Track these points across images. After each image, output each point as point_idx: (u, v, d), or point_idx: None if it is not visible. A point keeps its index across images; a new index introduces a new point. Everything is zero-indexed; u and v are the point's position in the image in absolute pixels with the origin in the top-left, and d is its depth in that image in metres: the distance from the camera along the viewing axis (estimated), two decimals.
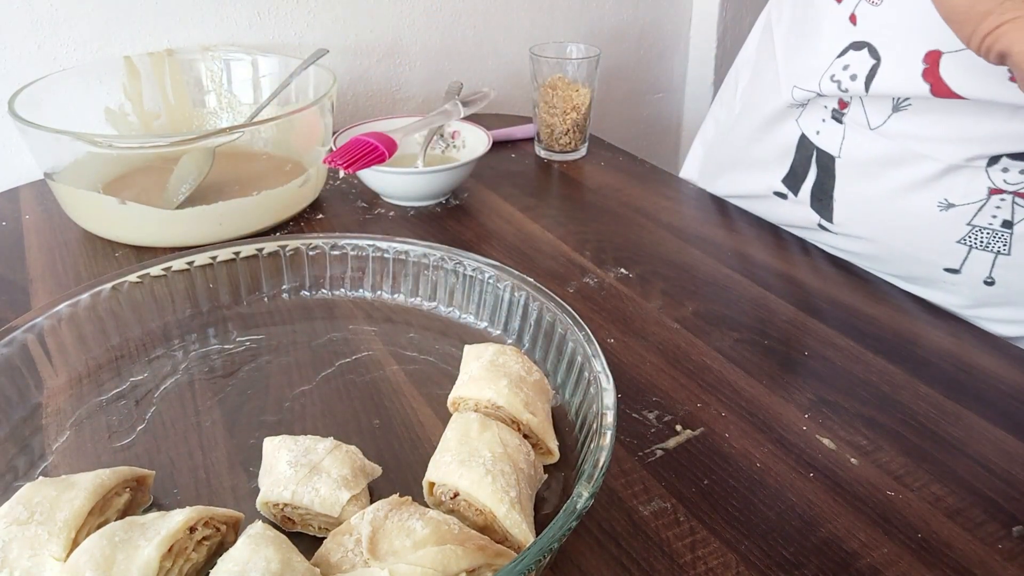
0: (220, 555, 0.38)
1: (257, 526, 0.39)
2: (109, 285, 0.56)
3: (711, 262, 0.71)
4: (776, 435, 0.50)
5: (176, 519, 0.39)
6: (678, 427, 0.51)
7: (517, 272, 0.57)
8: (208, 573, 0.37)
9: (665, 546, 0.43)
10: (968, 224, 0.58)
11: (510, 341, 0.57)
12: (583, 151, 0.95)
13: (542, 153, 0.95)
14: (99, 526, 0.40)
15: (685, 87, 1.36)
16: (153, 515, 0.40)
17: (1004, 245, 0.57)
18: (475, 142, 0.85)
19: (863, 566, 0.41)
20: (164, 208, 0.70)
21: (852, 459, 0.48)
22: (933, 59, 0.54)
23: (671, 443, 0.50)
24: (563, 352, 0.52)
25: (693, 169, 0.92)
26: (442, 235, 0.75)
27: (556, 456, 0.47)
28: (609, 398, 0.44)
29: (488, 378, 0.48)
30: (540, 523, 0.42)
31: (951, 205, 0.58)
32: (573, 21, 1.18)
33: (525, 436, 0.46)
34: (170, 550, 0.38)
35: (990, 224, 0.57)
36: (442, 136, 0.88)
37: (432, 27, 1.05)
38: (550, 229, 0.77)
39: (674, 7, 1.27)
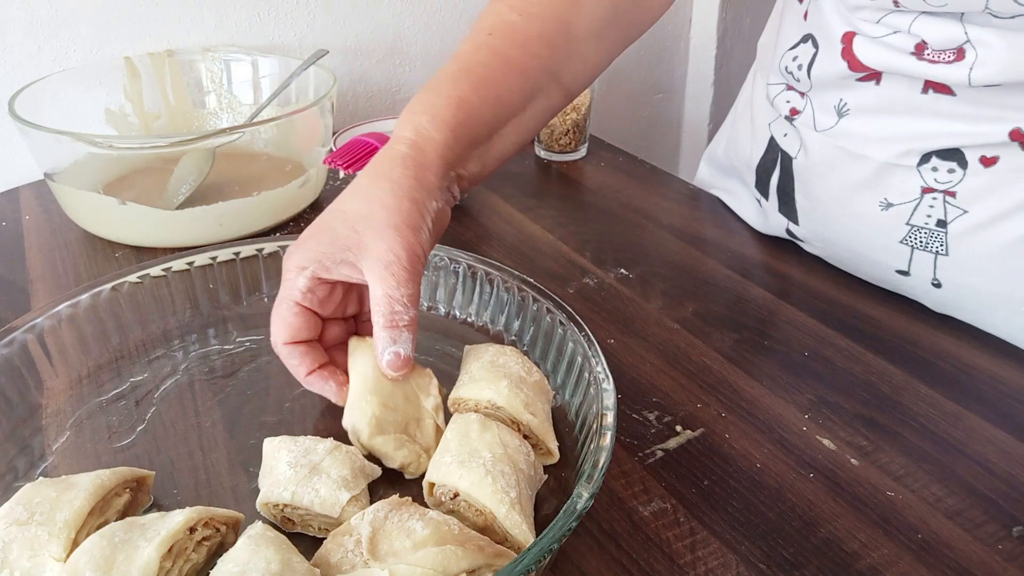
0: (220, 556, 0.38)
1: (257, 527, 0.39)
2: (109, 286, 0.56)
3: (711, 263, 0.71)
4: (776, 436, 0.50)
5: (176, 519, 0.39)
6: (678, 428, 0.51)
7: (517, 272, 0.56)
8: (208, 574, 0.37)
9: (665, 547, 0.43)
10: (907, 224, 0.59)
11: (510, 341, 0.57)
12: (583, 151, 0.95)
13: (542, 153, 0.95)
14: (99, 527, 0.40)
15: (685, 87, 1.36)
16: (153, 515, 0.40)
17: (941, 245, 0.58)
18: None
19: (863, 567, 0.41)
20: (164, 208, 0.70)
21: (852, 460, 0.48)
22: (848, 39, 0.59)
23: (671, 444, 0.50)
24: (563, 352, 0.52)
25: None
26: (442, 236, 0.75)
27: (556, 457, 0.47)
28: (609, 399, 0.44)
29: (488, 379, 0.48)
30: (540, 523, 0.42)
31: (890, 204, 0.60)
32: None
33: (525, 436, 0.46)
34: (170, 551, 0.38)
35: (926, 223, 0.58)
36: None
37: (432, 27, 1.06)
38: (550, 230, 0.77)
39: (674, 7, 1.26)
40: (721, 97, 1.31)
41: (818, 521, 0.44)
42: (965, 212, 0.56)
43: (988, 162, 0.54)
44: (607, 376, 0.46)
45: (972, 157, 0.55)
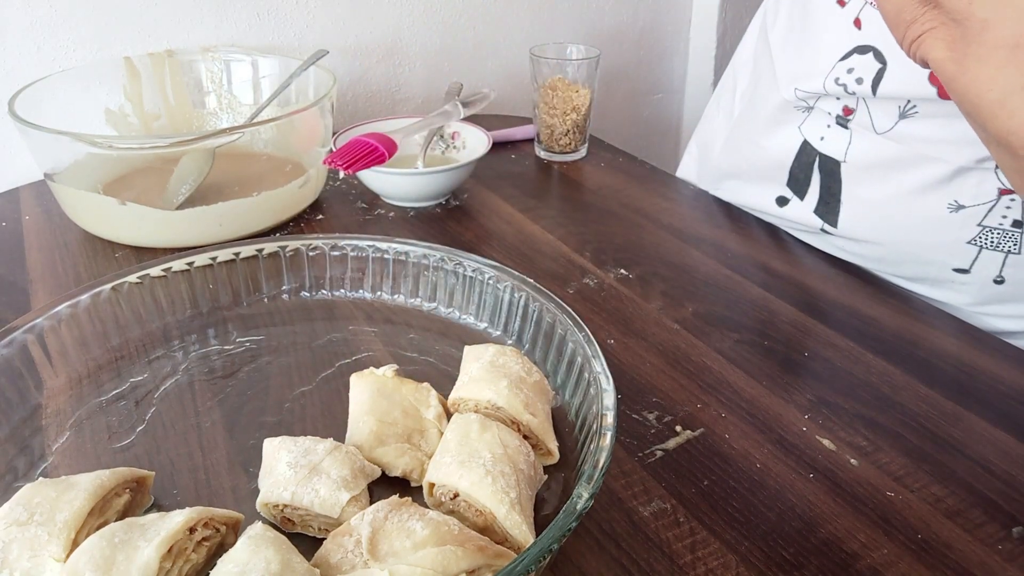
0: (220, 556, 0.38)
1: (257, 527, 0.39)
2: (109, 286, 0.56)
3: (711, 263, 0.71)
4: (776, 436, 0.50)
5: (176, 520, 0.39)
6: (678, 428, 0.51)
7: (517, 273, 0.57)
8: (208, 574, 0.37)
9: (665, 547, 0.43)
10: (979, 225, 0.59)
11: (510, 342, 0.57)
12: (583, 152, 0.95)
13: (542, 154, 0.95)
14: (99, 527, 0.40)
15: (685, 88, 1.36)
16: (153, 516, 0.40)
17: (1015, 244, 0.58)
18: (475, 143, 0.85)
19: (863, 567, 0.41)
20: (164, 209, 0.70)
21: (852, 460, 0.48)
22: None
23: (671, 444, 0.50)
24: (563, 353, 0.52)
25: (690, 171, 0.92)
26: (442, 236, 0.75)
27: (556, 457, 0.47)
28: (609, 399, 0.44)
29: (488, 379, 0.48)
30: (540, 524, 0.42)
31: (961, 206, 0.59)
32: (573, 22, 1.18)
33: (525, 437, 0.46)
34: (170, 551, 0.38)
35: (1000, 224, 0.58)
36: (442, 137, 0.88)
37: (432, 27, 1.06)
38: (550, 230, 0.77)
39: (674, 8, 1.27)
40: None
41: (818, 521, 0.44)
42: None
43: None
44: (607, 376, 0.46)
45: None
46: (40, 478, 0.43)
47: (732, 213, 0.81)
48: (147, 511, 0.44)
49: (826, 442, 0.50)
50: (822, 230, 0.71)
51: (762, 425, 0.51)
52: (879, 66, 0.60)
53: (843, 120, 0.65)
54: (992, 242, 0.59)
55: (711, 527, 0.44)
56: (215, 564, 0.38)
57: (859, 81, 0.62)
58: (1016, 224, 0.57)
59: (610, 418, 0.43)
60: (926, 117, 0.59)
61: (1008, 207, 0.57)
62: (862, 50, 0.62)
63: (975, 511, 0.45)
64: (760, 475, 0.47)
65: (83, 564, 0.36)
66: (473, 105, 0.85)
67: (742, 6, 1.25)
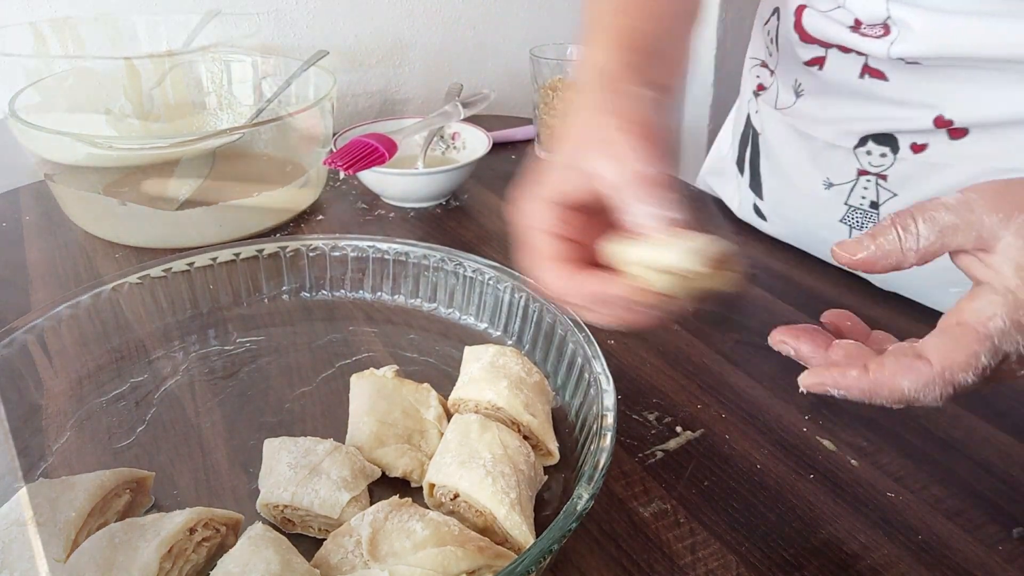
0: (220, 556, 0.38)
1: (257, 527, 0.39)
2: (109, 286, 0.56)
3: None
4: (776, 437, 0.50)
5: (176, 520, 0.39)
6: (678, 429, 0.51)
7: (517, 273, 0.56)
8: (208, 574, 0.38)
9: (665, 547, 0.43)
10: (845, 203, 0.62)
11: (510, 342, 0.57)
12: None
13: (542, 154, 0.95)
14: (99, 527, 0.40)
15: (685, 87, 1.36)
16: (153, 516, 0.40)
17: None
18: (475, 143, 0.85)
19: (863, 567, 0.41)
20: (164, 209, 0.70)
21: (852, 461, 0.48)
22: (799, 11, 0.61)
23: (671, 444, 0.50)
24: (563, 353, 0.52)
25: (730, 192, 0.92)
26: (442, 236, 0.75)
27: (556, 457, 0.47)
28: (609, 400, 0.44)
29: (488, 379, 0.48)
30: (540, 524, 0.42)
31: (832, 184, 0.62)
32: (573, 22, 1.17)
33: (525, 437, 0.46)
34: (170, 551, 0.38)
35: (861, 204, 0.61)
36: (442, 137, 0.88)
37: (432, 28, 1.06)
38: None
39: None
40: (721, 97, 1.31)
41: (818, 522, 0.44)
42: (895, 195, 0.58)
43: (918, 149, 0.57)
44: (607, 377, 0.46)
45: (904, 143, 0.57)
46: (40, 478, 0.43)
47: (732, 214, 0.81)
48: (147, 511, 0.44)
49: (826, 443, 0.50)
50: (754, 206, 0.73)
51: (762, 426, 0.51)
52: (777, 23, 0.64)
53: (756, 95, 0.69)
54: (857, 222, 0.61)
55: (711, 528, 0.44)
56: (215, 564, 0.38)
57: (771, 40, 0.66)
58: (873, 205, 0.60)
59: (610, 419, 0.43)
60: (808, 95, 0.63)
61: (865, 188, 0.60)
62: (774, 12, 0.65)
63: (975, 511, 0.45)
64: (760, 476, 0.47)
65: (83, 564, 0.36)
66: (473, 106, 0.85)
67: (742, 6, 1.25)
